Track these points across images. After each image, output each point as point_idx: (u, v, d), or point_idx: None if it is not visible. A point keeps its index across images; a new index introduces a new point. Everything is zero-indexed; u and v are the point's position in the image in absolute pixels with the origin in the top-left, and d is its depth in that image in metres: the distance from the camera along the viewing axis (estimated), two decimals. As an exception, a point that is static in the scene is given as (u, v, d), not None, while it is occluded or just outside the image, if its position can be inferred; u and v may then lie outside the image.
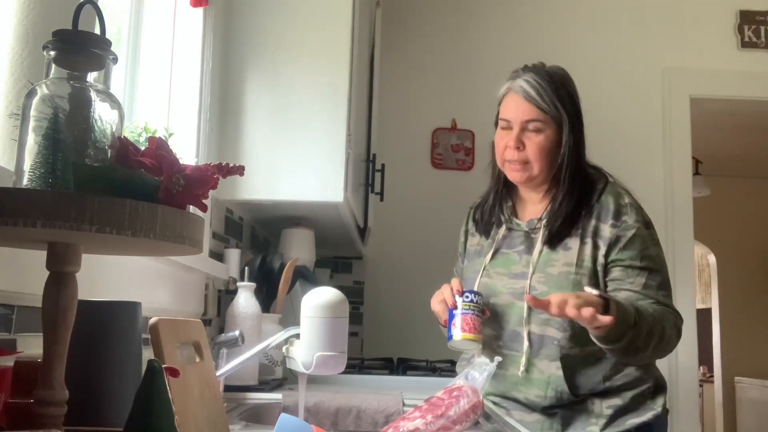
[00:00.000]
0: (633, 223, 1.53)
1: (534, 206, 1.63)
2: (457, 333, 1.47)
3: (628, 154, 3.32)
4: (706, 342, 6.44)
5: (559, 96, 1.55)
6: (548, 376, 1.49)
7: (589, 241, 1.53)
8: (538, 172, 1.57)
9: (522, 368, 1.50)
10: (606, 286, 1.53)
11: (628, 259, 1.51)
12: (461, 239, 1.77)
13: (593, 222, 1.54)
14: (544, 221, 1.58)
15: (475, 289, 1.57)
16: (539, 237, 1.56)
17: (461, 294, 1.49)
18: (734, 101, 3.58)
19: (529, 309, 1.50)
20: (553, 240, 1.54)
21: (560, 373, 1.48)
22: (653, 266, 1.52)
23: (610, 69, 3.49)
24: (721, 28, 3.55)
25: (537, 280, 1.52)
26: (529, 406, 1.52)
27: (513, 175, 1.59)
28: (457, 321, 1.48)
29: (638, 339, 1.41)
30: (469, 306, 1.48)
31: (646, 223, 1.56)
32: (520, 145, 1.55)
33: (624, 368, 1.53)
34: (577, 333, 1.47)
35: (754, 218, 6.57)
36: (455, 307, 1.49)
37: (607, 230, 1.52)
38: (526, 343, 1.50)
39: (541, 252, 1.55)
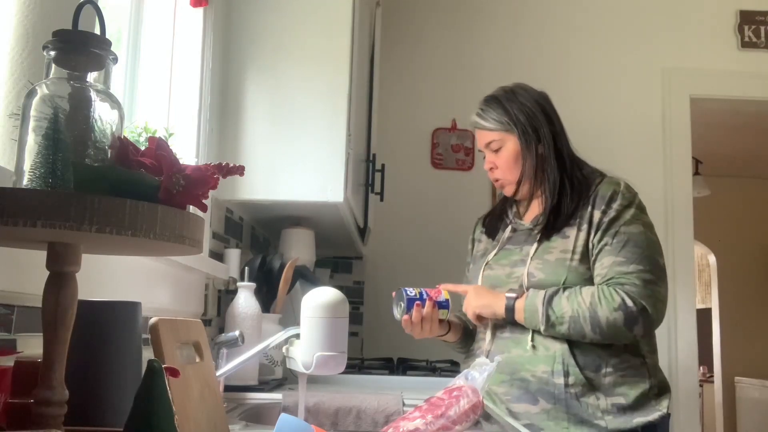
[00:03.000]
0: (617, 207, 1.60)
1: (531, 211, 1.73)
2: (444, 299, 1.64)
3: (628, 154, 3.32)
4: (706, 342, 6.44)
5: (505, 111, 1.69)
6: (554, 351, 1.55)
7: (585, 227, 1.61)
8: (514, 183, 1.70)
9: (529, 345, 1.56)
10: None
11: (602, 239, 1.58)
12: (469, 247, 1.88)
13: (589, 209, 1.62)
14: (540, 219, 1.66)
15: (479, 282, 1.70)
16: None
17: (408, 306, 1.65)
18: (734, 101, 3.57)
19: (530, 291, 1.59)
20: (549, 231, 1.63)
21: (566, 345, 1.54)
22: (625, 243, 1.56)
23: (610, 69, 3.49)
24: (721, 28, 3.55)
25: (535, 266, 1.60)
26: (536, 389, 1.54)
27: (503, 191, 1.75)
28: (434, 299, 1.64)
29: (558, 321, 1.53)
30: (417, 295, 1.64)
31: (631, 204, 1.61)
32: (492, 166, 1.72)
33: (627, 355, 1.57)
34: None
35: (754, 218, 6.57)
36: (420, 307, 1.63)
37: (597, 215, 1.60)
38: None
39: (540, 242, 1.63)
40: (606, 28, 3.53)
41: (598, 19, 3.54)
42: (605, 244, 1.57)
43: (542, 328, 1.54)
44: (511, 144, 1.68)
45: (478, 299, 1.62)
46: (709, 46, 3.52)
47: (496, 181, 1.73)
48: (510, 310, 1.57)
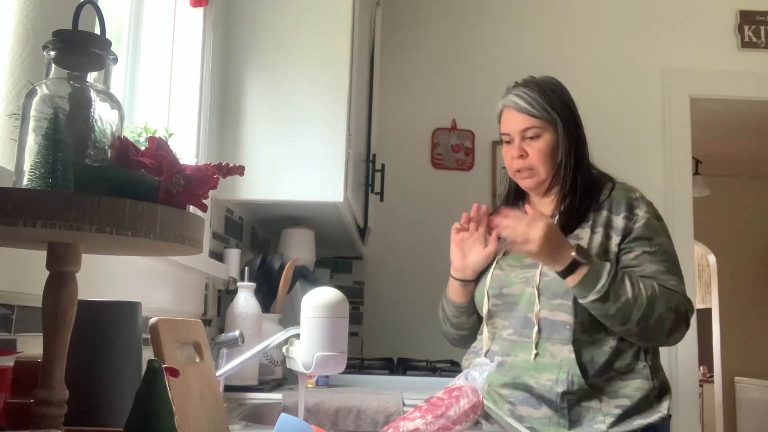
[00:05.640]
0: (644, 214, 1.59)
1: (545, 207, 1.69)
2: None
3: (628, 154, 3.32)
4: (706, 342, 6.44)
5: (550, 101, 1.62)
6: (560, 360, 1.52)
7: (600, 230, 1.59)
8: (545, 176, 1.64)
9: (534, 352, 1.53)
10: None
11: (638, 246, 1.57)
12: None
13: (605, 214, 1.60)
14: (556, 217, 1.63)
15: (487, 281, 1.63)
16: None
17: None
18: (734, 101, 3.57)
19: (539, 295, 1.55)
20: (564, 231, 1.59)
21: (572, 356, 1.51)
22: (663, 254, 1.57)
23: (610, 69, 3.49)
24: (721, 28, 3.55)
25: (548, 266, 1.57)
26: (539, 395, 1.53)
27: (524, 183, 1.67)
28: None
29: (613, 298, 1.47)
30: None
31: (657, 216, 1.62)
32: (523, 154, 1.63)
33: (630, 358, 1.55)
34: (586, 319, 1.53)
35: (754, 218, 6.57)
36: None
37: (620, 222, 1.58)
38: (535, 328, 1.54)
39: None
40: (606, 28, 3.53)
41: (598, 19, 3.54)
42: (644, 251, 1.56)
43: (592, 298, 1.46)
44: (550, 135, 1.62)
45: (549, 239, 1.46)
46: (709, 46, 3.52)
47: (520, 171, 1.65)
48: (574, 265, 1.47)
